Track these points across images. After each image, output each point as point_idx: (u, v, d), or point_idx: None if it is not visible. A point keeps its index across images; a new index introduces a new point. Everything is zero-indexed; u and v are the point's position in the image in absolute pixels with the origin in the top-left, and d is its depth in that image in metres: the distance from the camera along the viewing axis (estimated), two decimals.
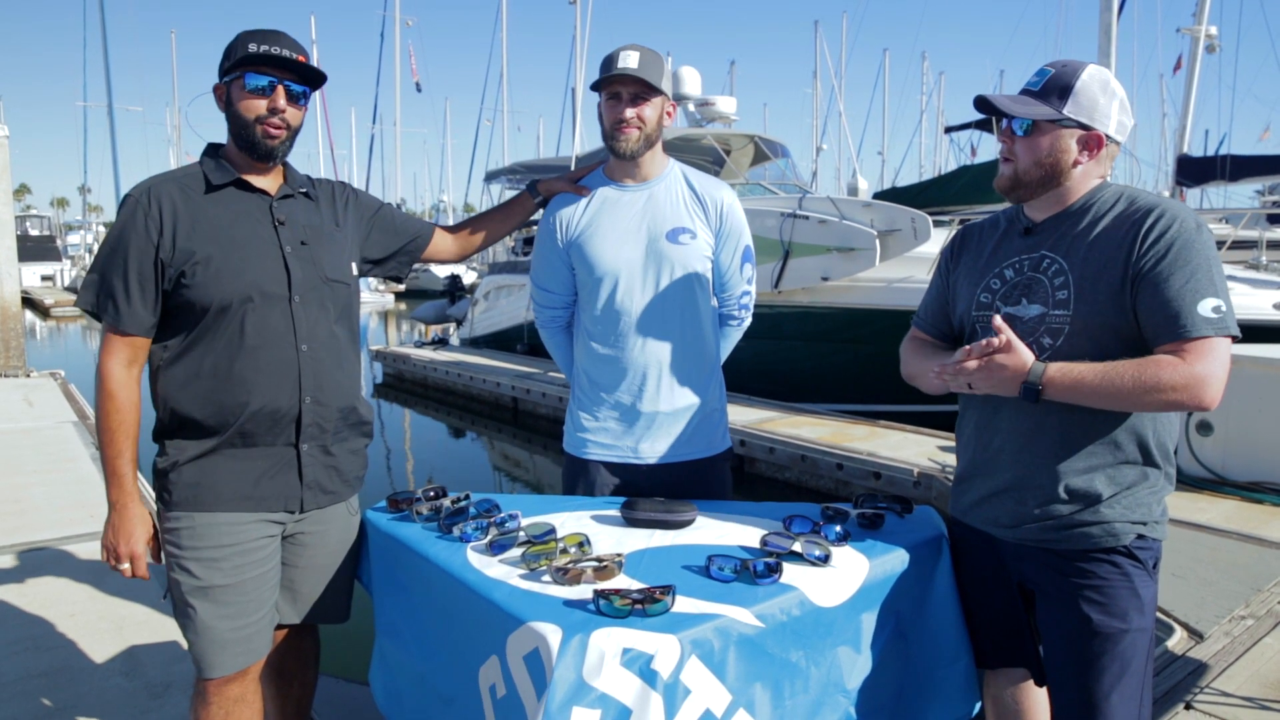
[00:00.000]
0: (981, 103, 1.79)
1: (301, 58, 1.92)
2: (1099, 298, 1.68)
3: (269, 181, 2.00)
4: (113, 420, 1.87)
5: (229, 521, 1.91)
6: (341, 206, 2.15)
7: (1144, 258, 1.63)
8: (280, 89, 1.91)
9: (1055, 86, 1.72)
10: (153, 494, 2.01)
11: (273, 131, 1.92)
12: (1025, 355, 1.66)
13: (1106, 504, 1.72)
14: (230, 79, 1.92)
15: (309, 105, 2.01)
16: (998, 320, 1.68)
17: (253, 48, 1.88)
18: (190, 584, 1.90)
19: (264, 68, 1.89)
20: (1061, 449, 1.74)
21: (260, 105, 1.90)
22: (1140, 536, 1.73)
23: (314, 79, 1.96)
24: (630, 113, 2.21)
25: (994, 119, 1.82)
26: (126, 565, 1.92)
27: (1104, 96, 1.71)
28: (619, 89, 2.20)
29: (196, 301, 1.87)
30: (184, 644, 3.13)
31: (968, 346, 1.71)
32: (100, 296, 1.87)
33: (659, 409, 2.34)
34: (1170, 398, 1.59)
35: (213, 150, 1.99)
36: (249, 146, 1.93)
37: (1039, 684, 1.93)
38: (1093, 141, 1.73)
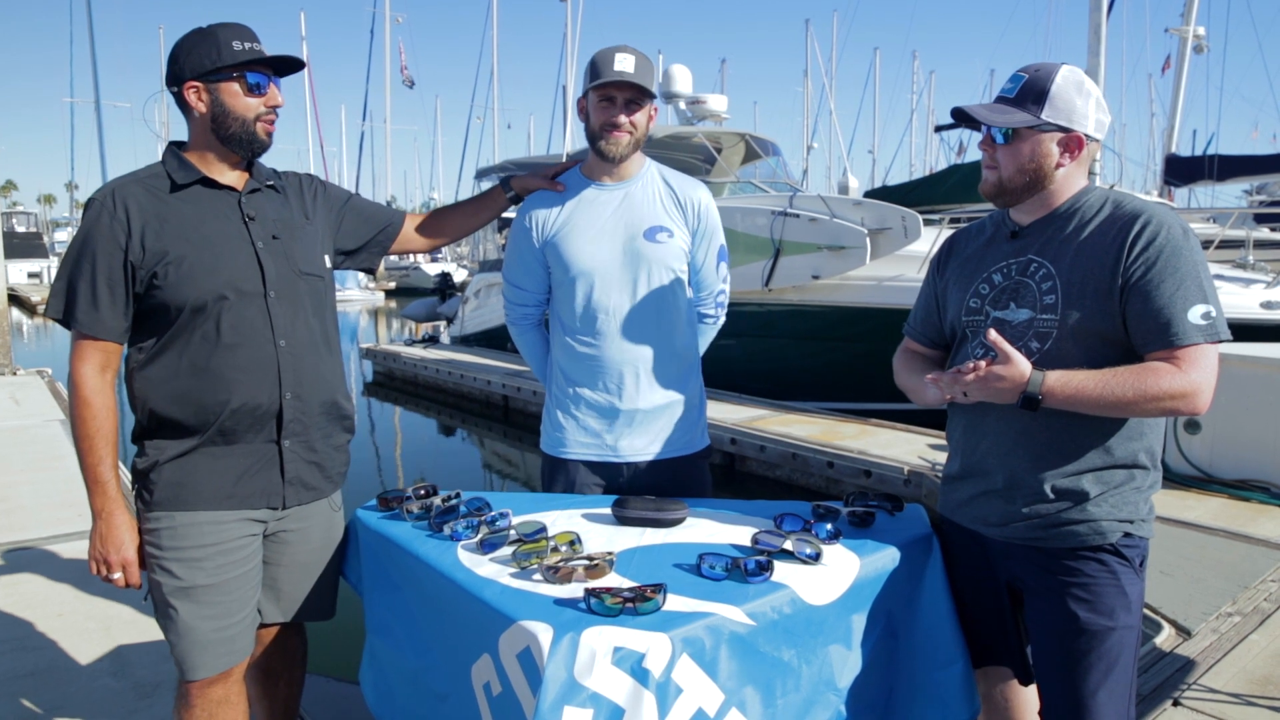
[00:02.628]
0: (959, 114, 1.81)
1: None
2: (1086, 302, 1.69)
3: (236, 177, 1.97)
4: (90, 427, 1.85)
5: (210, 521, 1.90)
6: (310, 198, 2.12)
7: (1133, 265, 1.64)
8: (273, 85, 1.91)
9: (1030, 91, 1.73)
10: (132, 495, 1.98)
11: (271, 128, 1.93)
12: (1023, 366, 1.65)
13: (1094, 503, 1.73)
14: (219, 79, 1.87)
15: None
16: (993, 335, 1.68)
17: (237, 45, 1.86)
18: (172, 585, 1.88)
19: (258, 66, 1.89)
20: (1049, 450, 1.75)
21: (259, 104, 1.90)
22: (1127, 535, 1.74)
23: (284, 68, 1.96)
24: (624, 118, 2.21)
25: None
26: (119, 575, 1.90)
27: (1079, 97, 1.72)
28: (614, 93, 2.20)
29: (170, 302, 1.85)
30: None
31: (968, 364, 1.70)
32: (69, 304, 1.84)
33: (638, 406, 2.34)
34: (1168, 405, 1.61)
35: (174, 149, 1.96)
36: (247, 144, 1.92)
37: (1023, 683, 1.94)
38: (1073, 143, 1.74)
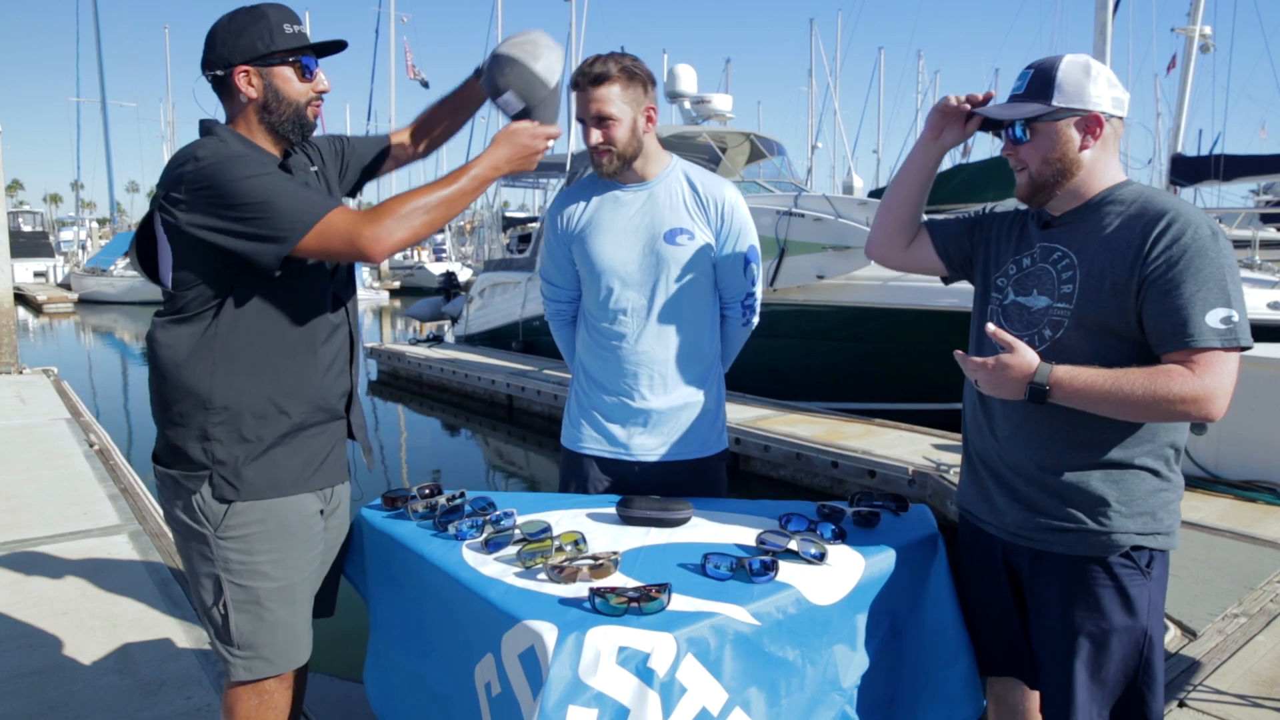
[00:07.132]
0: (983, 121, 1.83)
1: None
2: (1101, 296, 1.67)
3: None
4: (424, 199, 1.80)
5: (295, 512, 1.90)
6: (330, 157, 2.15)
7: (1153, 263, 1.61)
8: (319, 70, 1.91)
9: (1038, 83, 1.72)
10: (159, 507, 1.98)
11: (319, 111, 1.92)
12: (1029, 356, 1.64)
13: (1105, 514, 1.70)
14: (272, 63, 1.84)
15: None
16: (991, 327, 1.68)
17: (289, 29, 1.84)
18: (268, 587, 1.86)
19: (308, 51, 1.87)
20: (1052, 443, 1.73)
21: (309, 89, 1.89)
22: (1136, 548, 1.71)
23: (323, 51, 1.96)
24: (596, 137, 2.21)
25: (998, 132, 1.83)
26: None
27: (1087, 78, 1.70)
28: (583, 116, 2.21)
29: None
30: (177, 642, 3.13)
31: (975, 359, 1.70)
32: (295, 203, 1.73)
33: (653, 406, 2.34)
34: (1179, 409, 1.58)
35: (230, 130, 1.87)
36: (297, 128, 1.90)
37: (1032, 687, 1.92)
38: (1092, 122, 1.71)
